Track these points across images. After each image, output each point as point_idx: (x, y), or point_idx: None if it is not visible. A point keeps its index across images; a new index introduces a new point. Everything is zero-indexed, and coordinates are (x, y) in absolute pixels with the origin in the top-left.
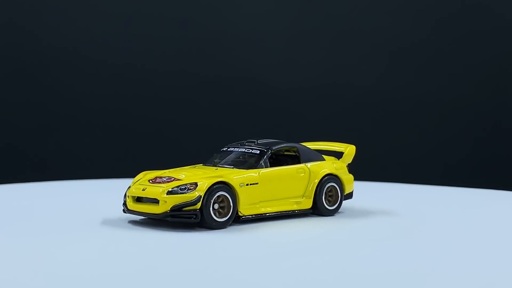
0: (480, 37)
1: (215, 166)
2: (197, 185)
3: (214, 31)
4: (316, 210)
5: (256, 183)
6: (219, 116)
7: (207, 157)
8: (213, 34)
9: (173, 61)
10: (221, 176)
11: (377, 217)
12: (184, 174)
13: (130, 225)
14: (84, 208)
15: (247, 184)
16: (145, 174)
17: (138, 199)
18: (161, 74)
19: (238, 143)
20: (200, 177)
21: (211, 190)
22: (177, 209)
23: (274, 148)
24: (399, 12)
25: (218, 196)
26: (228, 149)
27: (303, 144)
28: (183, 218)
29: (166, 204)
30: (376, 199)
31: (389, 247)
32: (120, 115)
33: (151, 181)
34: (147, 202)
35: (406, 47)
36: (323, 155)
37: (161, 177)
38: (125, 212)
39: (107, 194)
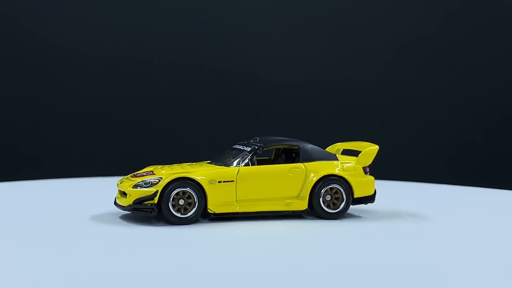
0: (486, 31)
1: (211, 164)
2: (159, 180)
3: (216, 26)
4: (314, 212)
5: (232, 181)
6: (234, 113)
7: (214, 154)
8: (215, 29)
9: (174, 56)
10: (187, 172)
11: (377, 217)
12: (165, 170)
13: (118, 220)
14: (81, 206)
15: (220, 182)
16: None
17: (124, 193)
18: (162, 70)
19: (245, 141)
20: (172, 172)
21: (172, 186)
22: (138, 203)
23: (266, 146)
24: (403, 6)
25: (184, 192)
26: (233, 146)
27: (339, 144)
28: (143, 211)
29: (131, 197)
30: (380, 199)
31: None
32: (120, 112)
33: (132, 176)
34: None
35: (410, 42)
36: (337, 155)
37: (144, 172)
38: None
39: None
